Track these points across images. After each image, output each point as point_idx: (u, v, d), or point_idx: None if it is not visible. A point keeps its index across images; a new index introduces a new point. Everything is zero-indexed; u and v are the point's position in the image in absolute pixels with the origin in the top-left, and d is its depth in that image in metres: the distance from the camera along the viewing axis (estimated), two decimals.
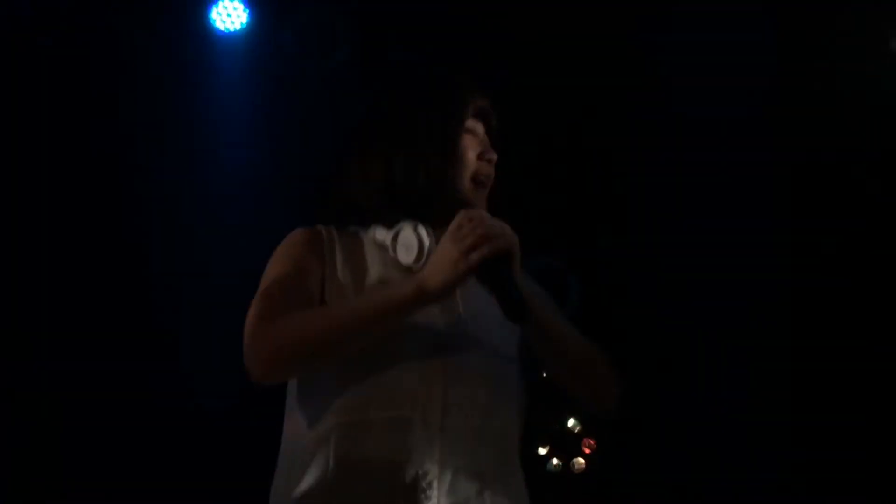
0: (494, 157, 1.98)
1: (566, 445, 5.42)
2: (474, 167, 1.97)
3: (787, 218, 4.79)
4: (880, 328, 4.68)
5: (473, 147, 1.98)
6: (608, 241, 5.21)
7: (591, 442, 5.42)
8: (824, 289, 4.75)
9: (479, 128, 2.00)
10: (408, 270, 1.87)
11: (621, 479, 5.25)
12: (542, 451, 5.35)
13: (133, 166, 5.13)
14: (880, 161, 4.60)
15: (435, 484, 1.75)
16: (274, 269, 1.91)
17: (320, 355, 1.79)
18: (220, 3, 5.12)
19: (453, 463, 1.76)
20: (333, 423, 1.79)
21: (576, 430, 5.48)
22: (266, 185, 5.10)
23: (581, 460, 5.45)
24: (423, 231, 1.87)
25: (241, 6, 5.14)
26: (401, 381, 1.79)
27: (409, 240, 1.87)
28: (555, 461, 5.40)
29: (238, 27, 5.16)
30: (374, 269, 1.90)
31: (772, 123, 4.70)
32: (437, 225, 1.87)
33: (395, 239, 1.89)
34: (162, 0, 5.12)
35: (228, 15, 5.15)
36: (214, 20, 5.15)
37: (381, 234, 1.93)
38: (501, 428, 1.86)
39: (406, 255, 1.88)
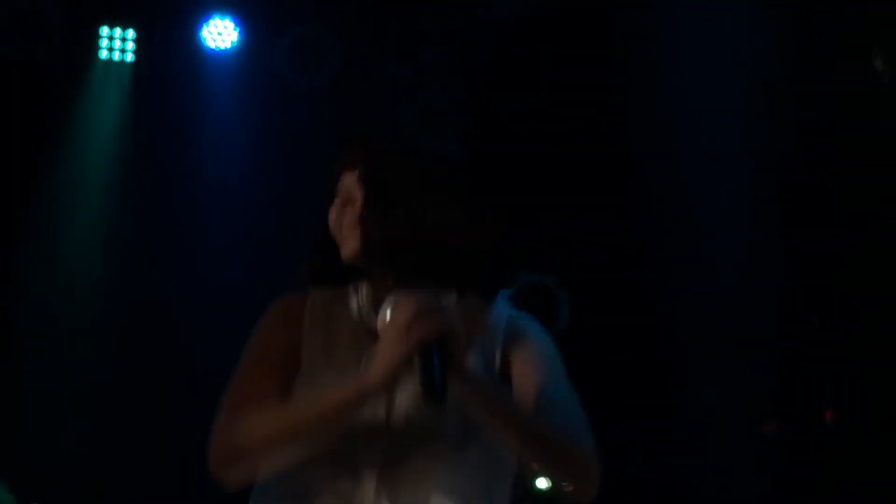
0: (350, 195, 1.86)
1: None
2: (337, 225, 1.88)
3: (777, 234, 4.82)
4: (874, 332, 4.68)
5: (337, 208, 1.89)
6: (598, 259, 5.22)
7: None
8: (813, 303, 4.77)
9: (348, 179, 1.88)
10: (357, 328, 1.86)
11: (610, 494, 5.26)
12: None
13: (123, 181, 5.15)
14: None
15: None
16: (247, 357, 1.90)
17: (267, 459, 1.80)
18: (211, 22, 5.14)
19: None
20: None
21: None
22: (255, 201, 5.11)
23: None
24: (353, 296, 1.87)
25: (231, 24, 5.17)
26: (333, 480, 1.79)
27: (350, 304, 1.88)
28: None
29: (228, 45, 5.19)
30: (346, 334, 1.88)
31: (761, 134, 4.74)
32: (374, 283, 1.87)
33: (347, 300, 1.89)
34: (153, 18, 5.14)
35: (219, 33, 5.17)
36: (205, 38, 5.17)
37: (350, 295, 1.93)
38: None
39: (355, 315, 1.87)
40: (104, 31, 5.15)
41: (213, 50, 5.18)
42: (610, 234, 5.26)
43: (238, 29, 5.17)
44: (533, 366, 1.86)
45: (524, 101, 5.02)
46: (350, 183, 1.88)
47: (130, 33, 5.17)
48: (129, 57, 5.18)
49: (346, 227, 1.86)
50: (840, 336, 4.64)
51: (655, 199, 5.05)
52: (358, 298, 1.86)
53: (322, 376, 1.83)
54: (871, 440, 4.56)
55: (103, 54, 5.16)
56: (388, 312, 1.74)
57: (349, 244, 1.86)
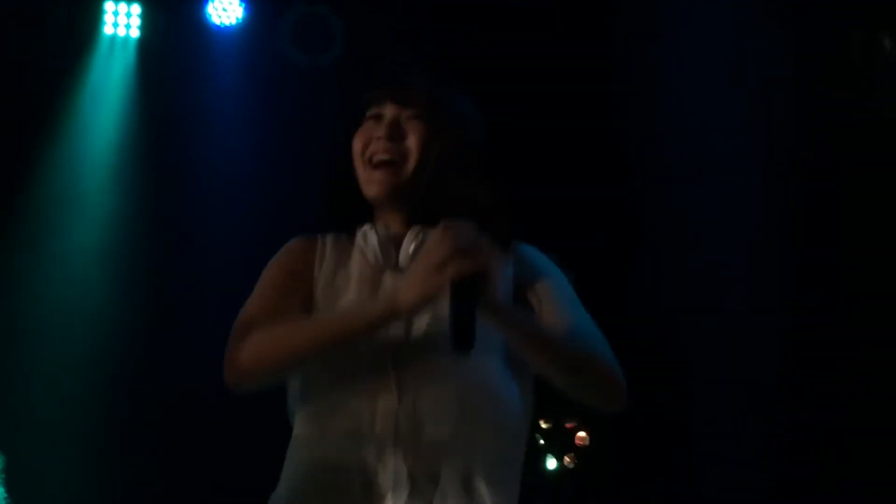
0: (381, 133, 1.88)
1: (560, 442, 5.42)
2: (367, 152, 1.89)
3: (784, 219, 4.81)
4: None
5: (366, 134, 1.90)
6: (605, 236, 5.21)
7: (583, 436, 5.43)
8: (824, 292, 4.76)
9: (388, 110, 1.90)
10: (381, 271, 1.88)
11: (613, 474, 5.26)
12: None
13: (127, 157, 5.14)
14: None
15: (389, 495, 1.76)
16: (264, 278, 1.94)
17: (289, 368, 1.84)
18: None
19: (409, 473, 1.77)
20: (297, 433, 1.85)
21: (570, 427, 5.49)
22: (259, 178, 5.11)
23: (570, 456, 5.46)
24: (372, 233, 1.89)
25: (236, 1, 5.16)
26: (353, 396, 1.80)
27: (363, 242, 1.90)
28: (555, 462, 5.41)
29: (234, 22, 5.18)
30: (355, 273, 1.90)
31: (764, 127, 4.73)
32: (389, 223, 1.90)
33: (364, 242, 1.91)
34: None
35: (224, 10, 5.16)
36: (210, 15, 5.17)
37: (359, 237, 1.95)
38: (471, 434, 1.81)
39: (370, 257, 1.89)
40: (109, 6, 5.14)
41: (218, 26, 5.17)
42: (615, 212, 5.25)
43: (243, 5, 5.16)
44: (552, 295, 1.91)
45: (525, 82, 5.01)
46: (392, 114, 1.90)
47: (136, 8, 5.16)
48: (135, 32, 5.18)
49: (377, 157, 1.87)
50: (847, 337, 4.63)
51: (659, 179, 5.04)
52: (376, 235, 1.88)
53: (341, 297, 1.87)
54: (877, 441, 4.56)
55: (108, 29, 5.16)
56: (413, 246, 1.83)
57: (379, 178, 1.87)
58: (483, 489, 1.79)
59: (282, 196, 4.99)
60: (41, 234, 5.00)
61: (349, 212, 1.94)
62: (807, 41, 4.60)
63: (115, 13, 5.15)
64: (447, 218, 1.76)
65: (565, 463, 5.28)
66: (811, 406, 4.63)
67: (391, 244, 1.88)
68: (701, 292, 4.95)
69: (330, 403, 1.82)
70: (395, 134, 1.89)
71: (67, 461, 4.77)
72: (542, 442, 5.29)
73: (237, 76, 5.20)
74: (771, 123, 4.71)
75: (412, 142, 1.88)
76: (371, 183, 1.88)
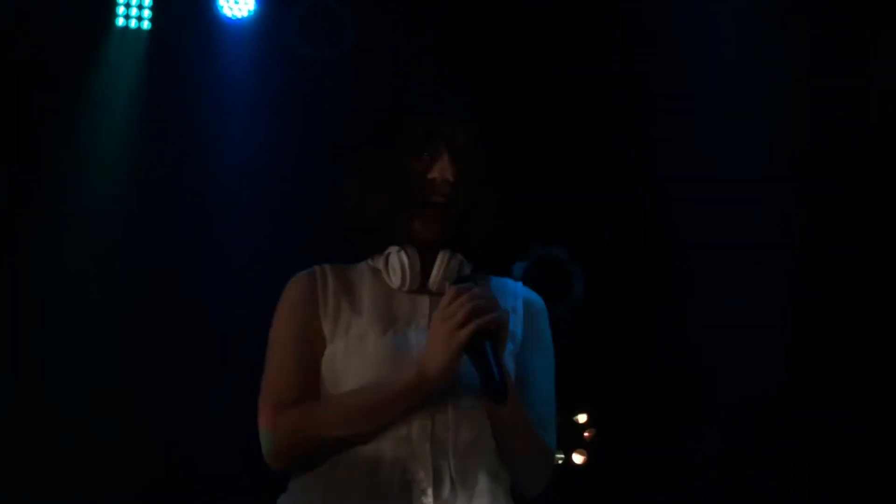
0: (444, 176, 1.95)
1: (568, 437, 5.43)
2: (423, 191, 1.95)
3: (795, 215, 4.79)
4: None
5: (421, 171, 1.96)
6: (613, 233, 5.21)
7: (591, 434, 5.42)
8: (831, 291, 4.75)
9: (442, 149, 1.97)
10: (397, 293, 1.97)
11: (621, 472, 5.25)
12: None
13: (138, 148, 5.15)
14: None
15: (430, 491, 1.82)
16: (276, 341, 1.99)
17: (330, 447, 1.89)
18: None
19: (446, 471, 1.84)
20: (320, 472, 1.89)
21: (579, 423, 5.49)
22: (269, 171, 5.11)
23: (581, 454, 5.46)
24: (404, 255, 1.95)
25: None
26: (386, 446, 1.86)
27: (395, 264, 1.96)
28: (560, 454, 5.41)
29: (245, 14, 5.18)
30: (367, 294, 1.98)
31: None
32: (420, 248, 1.97)
33: (385, 264, 1.98)
34: None
35: (235, 2, 5.16)
36: (222, 7, 5.16)
37: (376, 259, 2.03)
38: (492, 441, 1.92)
39: (395, 279, 1.97)
40: None
41: (230, 19, 5.17)
42: (624, 207, 5.24)
43: None
44: (541, 356, 2.04)
45: (537, 71, 4.99)
46: (442, 156, 1.96)
47: (147, 0, 5.16)
48: (146, 24, 5.18)
49: (433, 198, 1.95)
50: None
51: (672, 171, 5.03)
52: (407, 257, 1.95)
53: (350, 319, 1.94)
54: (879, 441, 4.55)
55: (120, 21, 5.16)
56: (443, 271, 1.94)
57: (433, 217, 1.96)
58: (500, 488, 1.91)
59: (291, 188, 4.99)
60: (51, 227, 5.01)
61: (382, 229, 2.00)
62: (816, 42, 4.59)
63: (127, 5, 5.15)
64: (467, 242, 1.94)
65: (574, 459, 5.28)
66: (817, 406, 4.63)
67: (419, 267, 1.96)
68: (705, 291, 4.94)
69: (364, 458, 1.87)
70: (448, 182, 1.96)
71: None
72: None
73: (248, 68, 5.19)
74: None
75: (464, 191, 1.96)
76: (425, 221, 1.96)
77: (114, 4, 5.14)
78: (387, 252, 1.98)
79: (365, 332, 1.92)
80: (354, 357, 1.90)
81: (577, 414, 5.34)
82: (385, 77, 4.95)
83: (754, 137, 4.76)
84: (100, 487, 4.70)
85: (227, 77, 5.16)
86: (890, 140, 4.57)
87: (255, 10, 5.18)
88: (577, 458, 5.25)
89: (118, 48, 5.16)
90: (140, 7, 5.16)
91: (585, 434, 5.35)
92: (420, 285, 1.97)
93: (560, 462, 5.29)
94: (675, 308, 5.08)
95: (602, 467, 5.24)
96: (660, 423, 5.05)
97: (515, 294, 2.06)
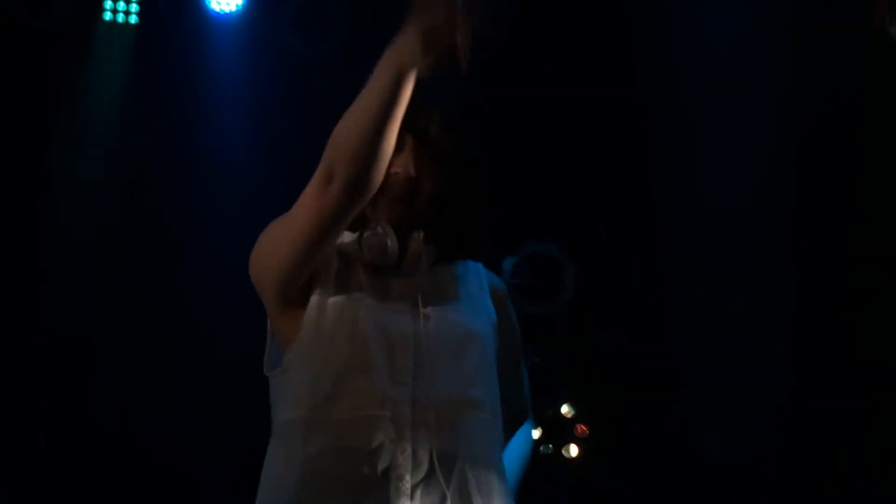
0: (406, 171, 1.95)
1: (559, 431, 5.42)
2: (386, 182, 1.93)
3: (791, 213, 4.79)
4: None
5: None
6: (605, 228, 5.20)
7: (584, 428, 5.42)
8: (828, 288, 4.74)
9: (408, 141, 1.97)
10: (378, 270, 1.95)
11: (613, 466, 5.25)
12: (535, 434, 5.35)
13: (126, 143, 5.12)
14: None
15: (407, 476, 1.78)
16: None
17: (377, 145, 1.82)
18: None
19: (425, 456, 1.80)
20: (304, 419, 1.85)
21: (569, 416, 5.48)
22: (260, 168, 5.09)
23: (574, 447, 5.46)
24: (380, 229, 1.94)
25: None
26: (369, 382, 1.84)
27: (371, 240, 1.95)
28: (549, 446, 5.41)
29: (234, 9, 5.15)
30: (353, 277, 1.96)
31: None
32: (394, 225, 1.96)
33: (359, 240, 1.96)
34: None
35: None
36: (210, 1, 5.13)
37: (348, 237, 2.01)
38: (479, 421, 1.90)
39: (368, 254, 1.95)
40: None
41: (218, 13, 5.14)
42: (618, 202, 5.23)
43: None
44: (517, 334, 2.12)
45: (531, 65, 4.98)
46: (410, 147, 1.98)
47: None
48: (134, 19, 5.14)
49: (394, 192, 1.95)
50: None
51: (666, 167, 5.03)
52: (382, 235, 1.94)
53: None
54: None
55: (107, 16, 5.13)
56: (419, 254, 1.96)
57: (390, 206, 1.97)
58: (494, 478, 1.88)
59: (282, 184, 4.95)
60: (42, 228, 4.99)
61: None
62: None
63: (115, 0, 5.12)
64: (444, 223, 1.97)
65: (568, 455, 5.27)
66: (816, 402, 4.64)
67: (395, 246, 1.95)
68: (699, 285, 4.94)
69: (333, 388, 1.84)
70: (412, 175, 1.96)
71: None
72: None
73: (237, 63, 5.17)
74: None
75: (428, 185, 1.97)
76: (385, 208, 1.96)
77: None
78: (364, 229, 1.96)
79: (349, 304, 1.91)
80: (344, 321, 1.89)
81: (567, 408, 5.34)
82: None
83: (751, 134, 4.77)
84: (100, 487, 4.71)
85: (216, 72, 5.13)
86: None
87: (243, 5, 5.15)
88: (572, 451, 5.25)
89: (105, 43, 5.13)
90: (127, 1, 5.13)
91: (578, 429, 5.34)
92: (396, 265, 1.96)
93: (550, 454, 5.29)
94: (668, 303, 5.08)
95: (595, 462, 5.24)
96: (652, 418, 5.05)
97: (478, 272, 2.09)
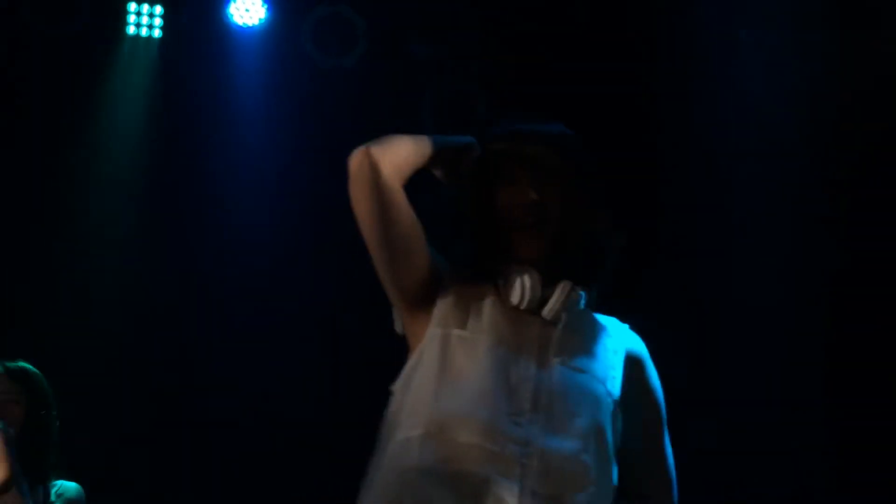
0: (527, 198, 2.00)
1: None
2: (513, 214, 2.00)
3: (821, 204, 4.76)
4: None
5: (508, 199, 2.01)
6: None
7: None
8: (828, 291, 4.72)
9: (519, 172, 2.01)
10: (514, 310, 1.97)
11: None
12: None
13: (150, 158, 5.14)
14: None
15: None
16: None
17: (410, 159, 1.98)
18: None
19: (532, 492, 1.82)
20: (420, 437, 1.88)
21: None
22: (283, 180, 5.10)
23: None
24: (527, 277, 1.96)
25: (259, 1, 5.14)
26: (487, 414, 1.86)
27: (515, 283, 1.96)
28: None
29: (256, 22, 5.17)
30: (488, 305, 1.99)
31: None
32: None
33: (505, 282, 1.98)
34: None
35: (247, 10, 5.15)
36: (232, 15, 5.16)
37: (495, 276, 2.03)
38: (589, 495, 1.88)
39: (514, 297, 1.96)
40: (132, 6, 5.14)
41: (241, 27, 5.16)
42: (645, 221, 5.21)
43: (266, 6, 5.15)
44: (656, 401, 2.08)
45: (551, 83, 4.97)
46: (527, 182, 2.01)
47: (158, 9, 5.15)
48: (157, 33, 5.17)
49: (523, 221, 1.99)
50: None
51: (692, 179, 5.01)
52: (530, 280, 1.96)
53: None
54: None
55: (131, 30, 5.15)
56: (561, 302, 1.97)
57: (528, 240, 2.00)
58: None
59: (303, 197, 4.98)
60: (66, 235, 5.01)
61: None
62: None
63: (139, 13, 5.15)
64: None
65: None
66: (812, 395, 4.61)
67: (540, 291, 1.97)
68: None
69: (451, 413, 1.87)
70: (535, 198, 2.00)
71: None
72: None
73: (259, 77, 5.19)
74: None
75: (554, 207, 2.00)
76: (522, 242, 2.00)
77: (125, 13, 5.14)
78: (509, 271, 1.99)
79: (477, 335, 1.94)
80: (471, 351, 1.92)
81: None
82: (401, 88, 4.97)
83: (758, 132, 4.77)
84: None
85: (238, 85, 5.15)
86: None
87: (265, 19, 5.17)
88: None
89: (129, 56, 5.16)
90: (151, 15, 5.16)
91: None
92: (535, 309, 1.98)
93: None
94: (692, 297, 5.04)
95: None
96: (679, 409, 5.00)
97: (619, 331, 2.08)
